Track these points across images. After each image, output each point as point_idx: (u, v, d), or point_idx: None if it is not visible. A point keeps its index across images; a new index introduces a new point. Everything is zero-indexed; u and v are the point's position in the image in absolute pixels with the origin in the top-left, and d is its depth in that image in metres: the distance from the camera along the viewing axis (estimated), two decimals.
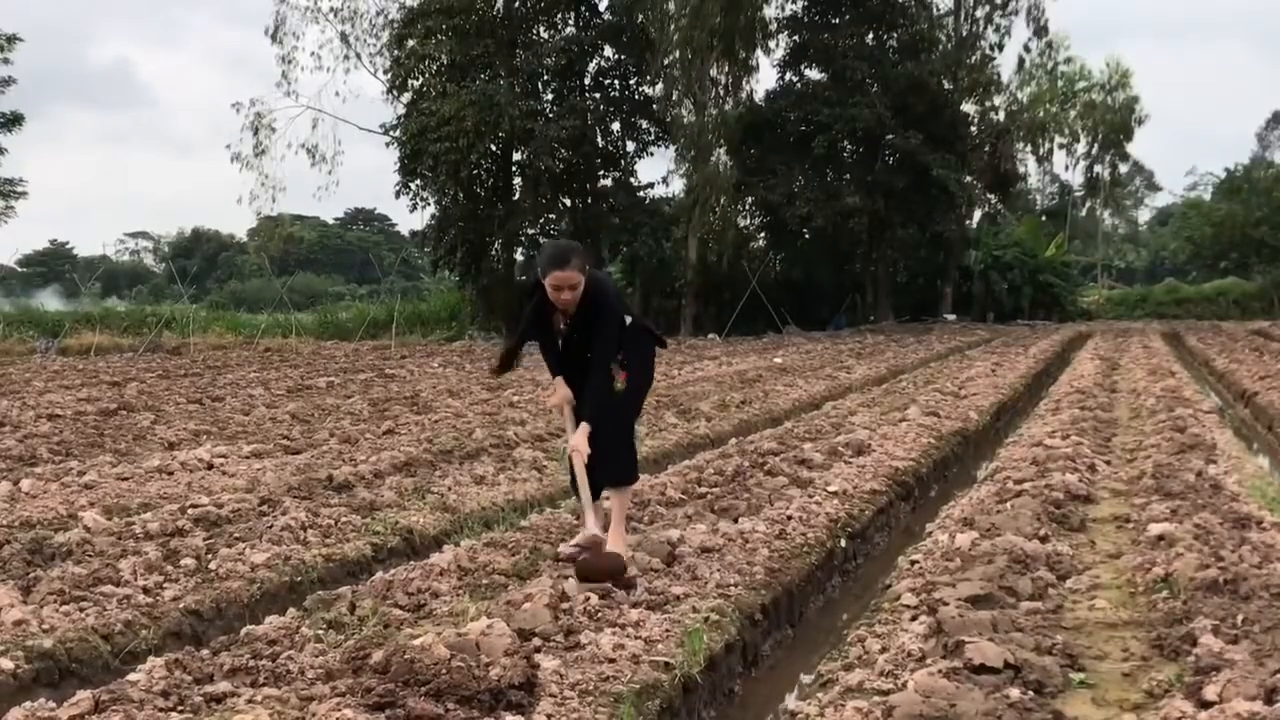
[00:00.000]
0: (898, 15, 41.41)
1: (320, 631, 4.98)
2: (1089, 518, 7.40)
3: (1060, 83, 53.68)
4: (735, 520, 7.27)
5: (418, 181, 39.60)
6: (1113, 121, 54.72)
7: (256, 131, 43.45)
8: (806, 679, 5.36)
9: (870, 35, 42.27)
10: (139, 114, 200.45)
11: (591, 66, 41.12)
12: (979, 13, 44.63)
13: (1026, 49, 49.08)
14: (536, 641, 4.77)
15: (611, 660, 4.63)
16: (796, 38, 42.81)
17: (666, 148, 41.98)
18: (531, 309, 6.00)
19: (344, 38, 43.75)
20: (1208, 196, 65.52)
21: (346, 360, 26.87)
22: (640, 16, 38.92)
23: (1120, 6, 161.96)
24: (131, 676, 4.35)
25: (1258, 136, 70.72)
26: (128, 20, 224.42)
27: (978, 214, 49.88)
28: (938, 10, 44.27)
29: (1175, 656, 4.51)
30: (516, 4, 40.02)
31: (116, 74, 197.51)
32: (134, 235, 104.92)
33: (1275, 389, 15.58)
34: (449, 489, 8.75)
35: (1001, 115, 48.15)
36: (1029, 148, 50.89)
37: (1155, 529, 6.47)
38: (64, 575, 5.88)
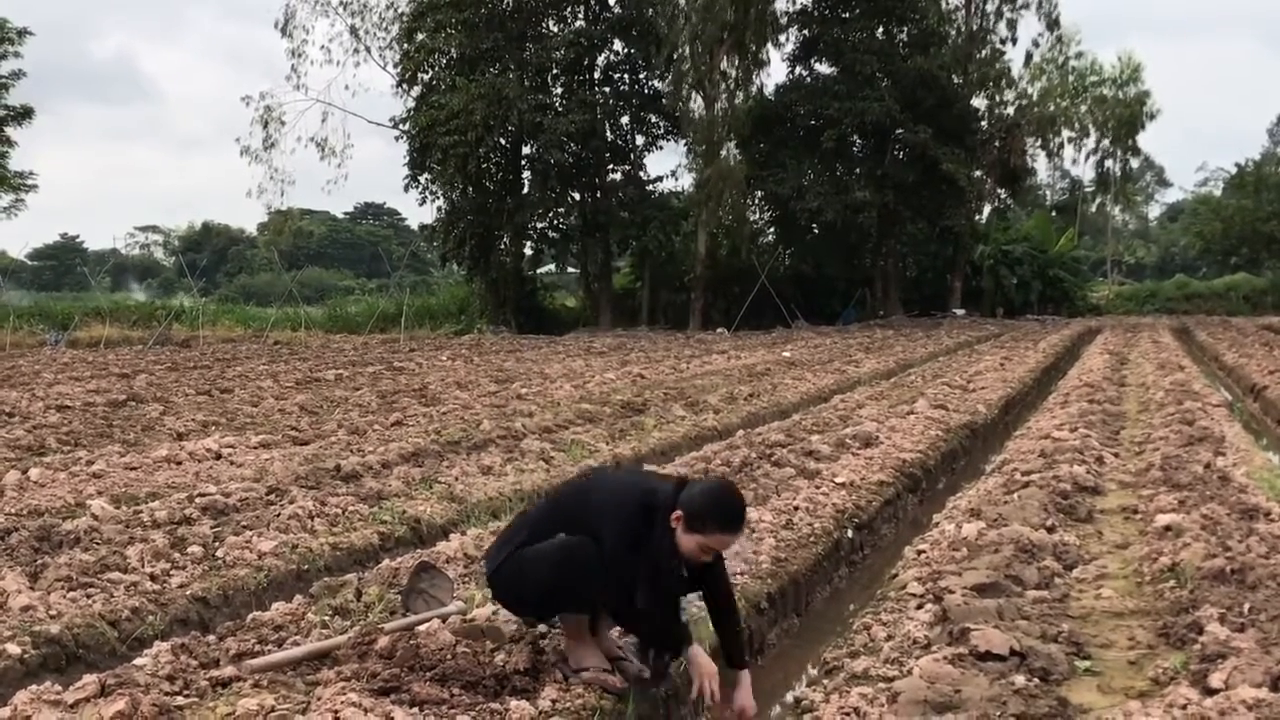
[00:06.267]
0: (908, 9, 41.33)
1: (326, 618, 4.99)
2: (1096, 509, 7.38)
3: (1071, 77, 53.49)
4: None
5: (427, 175, 39.69)
6: (1123, 116, 54.51)
7: (266, 125, 43.64)
8: (813, 667, 5.36)
9: (880, 29, 42.23)
10: (144, 108, 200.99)
11: (601, 60, 41.17)
12: (989, 7, 44.55)
13: (1035, 44, 49.00)
14: (542, 628, 4.76)
15: (618, 649, 4.62)
16: (806, 31, 42.79)
17: (676, 142, 42.06)
18: (649, 558, 4.23)
19: (354, 31, 43.89)
20: (1218, 192, 65.37)
21: (355, 353, 26.91)
22: (650, 10, 38.92)
23: (1132, 2, 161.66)
24: (138, 661, 4.36)
25: (1269, 132, 70.47)
26: (129, 14, 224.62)
27: (987, 209, 49.80)
28: (948, 4, 44.20)
29: (1181, 645, 4.50)
30: None
31: (120, 68, 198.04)
32: (144, 229, 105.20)
33: None
34: (456, 479, 8.76)
35: (1011, 110, 48.04)
36: (1039, 142, 50.65)
37: (1162, 519, 6.45)
38: (71, 562, 5.90)
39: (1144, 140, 57.28)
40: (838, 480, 8.38)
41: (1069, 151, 55.74)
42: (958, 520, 6.89)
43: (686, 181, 43.94)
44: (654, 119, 41.42)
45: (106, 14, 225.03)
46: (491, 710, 3.91)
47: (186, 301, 45.09)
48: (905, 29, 42.34)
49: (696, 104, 40.16)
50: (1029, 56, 49.50)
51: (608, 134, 40.60)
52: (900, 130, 39.88)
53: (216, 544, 6.51)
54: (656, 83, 41.17)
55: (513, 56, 38.65)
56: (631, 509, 4.25)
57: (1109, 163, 56.85)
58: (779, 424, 11.94)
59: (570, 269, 47.83)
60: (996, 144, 46.08)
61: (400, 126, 41.53)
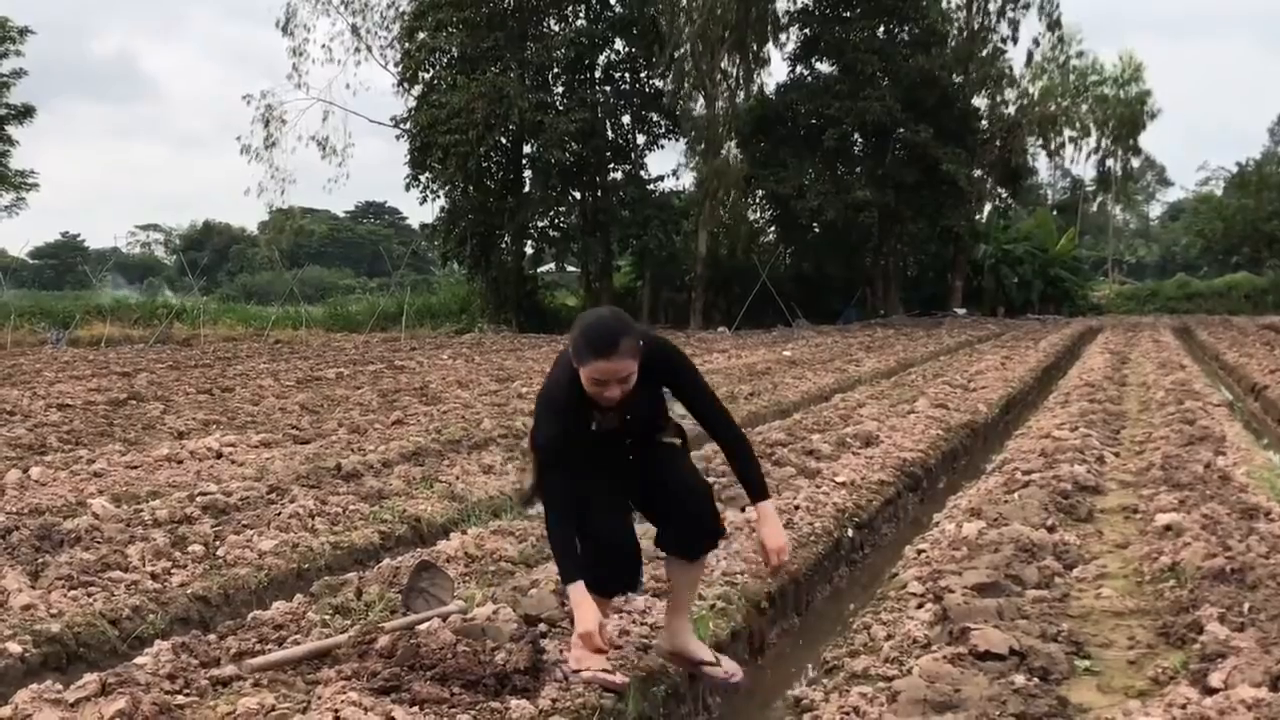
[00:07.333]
0: (909, 8, 41.30)
1: (327, 616, 4.99)
2: (1097, 508, 7.38)
3: (1072, 76, 53.39)
4: (742, 509, 7.25)
5: (428, 174, 39.68)
6: (1124, 116, 54.40)
7: (267, 124, 43.58)
8: (813, 666, 5.36)
9: (881, 28, 42.20)
10: (145, 107, 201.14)
11: (602, 59, 41.15)
12: (991, 6, 44.47)
13: (1036, 43, 48.86)
14: (542, 627, 4.77)
15: (617, 647, 4.62)
16: (808, 30, 42.77)
17: (677, 141, 42.07)
18: (562, 408, 4.22)
19: (355, 30, 43.85)
20: (1220, 191, 65.36)
21: (356, 352, 26.92)
22: (651, 9, 38.93)
23: (1132, 1, 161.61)
24: (138, 660, 4.36)
25: (1270, 131, 70.43)
26: (130, 13, 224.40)
27: (988, 208, 49.75)
28: (949, 4, 44.15)
29: (1181, 644, 4.50)
30: None
31: (121, 67, 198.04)
32: (145, 228, 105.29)
33: None
34: (457, 478, 8.76)
35: (1012, 109, 47.98)
36: (1040, 142, 50.59)
37: (1163, 519, 6.45)
38: (72, 561, 5.90)
39: (1145, 140, 56.97)
40: (838, 479, 8.37)
41: (1070, 151, 55.54)
42: (958, 519, 6.89)
43: (687, 180, 44.02)
44: (655, 118, 41.41)
45: (108, 13, 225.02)
46: (492, 709, 3.91)
47: (174, 298, 45.02)
48: (906, 28, 42.30)
49: (697, 103, 40.18)
50: (1030, 56, 49.40)
51: (609, 133, 40.58)
52: (901, 130, 39.85)
53: (217, 543, 6.51)
54: (657, 82, 41.16)
55: (514, 55, 38.63)
56: (560, 367, 4.30)
57: (1110, 162, 56.72)
58: (779, 423, 11.93)
59: (571, 268, 47.81)
60: (997, 143, 46.04)
61: (401, 125, 41.53)
